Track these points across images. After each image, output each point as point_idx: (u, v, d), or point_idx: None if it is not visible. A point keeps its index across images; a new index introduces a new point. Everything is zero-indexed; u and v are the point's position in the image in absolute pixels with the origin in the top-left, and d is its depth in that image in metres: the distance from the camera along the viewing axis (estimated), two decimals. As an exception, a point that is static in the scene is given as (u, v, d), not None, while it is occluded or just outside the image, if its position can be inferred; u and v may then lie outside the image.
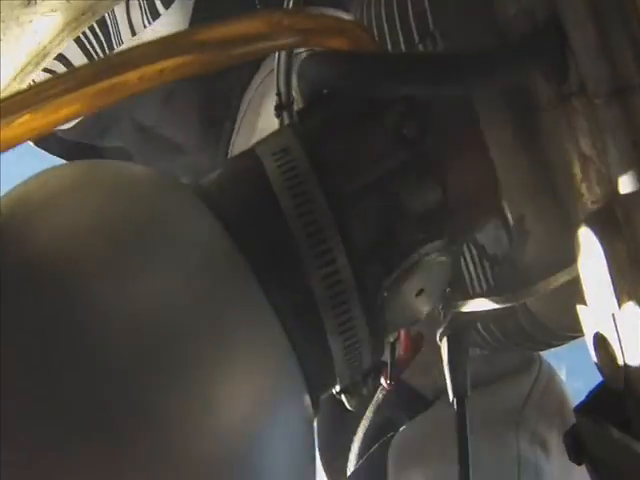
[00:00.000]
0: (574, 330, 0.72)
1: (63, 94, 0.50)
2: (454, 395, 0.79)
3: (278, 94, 0.83)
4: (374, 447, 1.24)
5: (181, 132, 1.60)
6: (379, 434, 1.27)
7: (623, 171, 0.46)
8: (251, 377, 0.49)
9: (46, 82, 0.51)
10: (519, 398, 0.77)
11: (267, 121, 1.45)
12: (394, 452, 1.12)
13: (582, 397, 0.56)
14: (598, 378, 0.56)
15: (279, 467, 0.50)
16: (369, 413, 1.27)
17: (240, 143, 1.54)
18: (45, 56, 0.75)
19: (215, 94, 1.54)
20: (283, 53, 0.76)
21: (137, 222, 0.51)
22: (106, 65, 0.53)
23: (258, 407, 0.49)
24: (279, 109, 0.80)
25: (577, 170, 0.53)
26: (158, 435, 0.44)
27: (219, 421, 0.46)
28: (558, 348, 0.79)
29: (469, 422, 0.84)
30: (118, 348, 0.44)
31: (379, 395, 1.26)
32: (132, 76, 0.51)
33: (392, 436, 1.20)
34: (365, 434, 1.25)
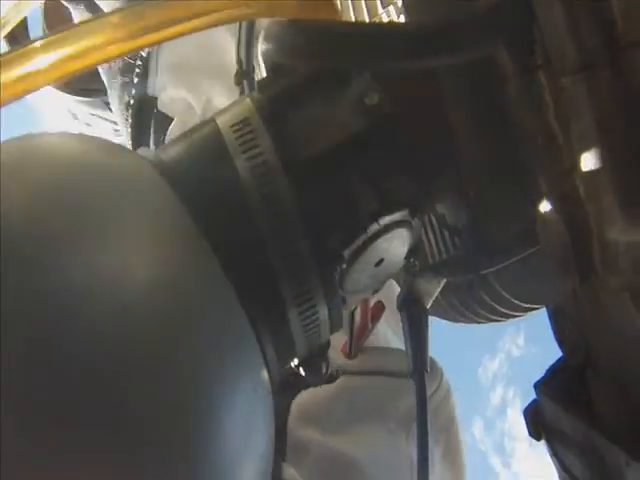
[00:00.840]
0: (533, 302, 0.73)
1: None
2: (414, 368, 0.78)
3: (239, 62, 0.82)
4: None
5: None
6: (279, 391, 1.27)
7: (585, 149, 0.45)
8: (208, 348, 0.49)
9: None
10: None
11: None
12: (298, 409, 1.13)
13: (540, 362, 0.56)
14: (556, 344, 0.56)
15: (233, 434, 0.49)
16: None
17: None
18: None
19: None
20: (245, 24, 0.75)
21: (94, 194, 0.50)
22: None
23: (214, 377, 0.48)
24: (239, 76, 0.79)
25: (540, 142, 0.52)
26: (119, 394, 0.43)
27: (173, 384, 0.46)
28: (515, 319, 0.80)
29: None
30: (77, 323, 0.43)
31: None
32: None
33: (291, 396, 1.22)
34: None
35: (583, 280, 0.48)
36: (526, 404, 0.57)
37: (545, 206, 0.49)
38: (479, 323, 0.81)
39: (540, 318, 0.56)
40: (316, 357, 0.66)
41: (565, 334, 0.53)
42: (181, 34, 0.58)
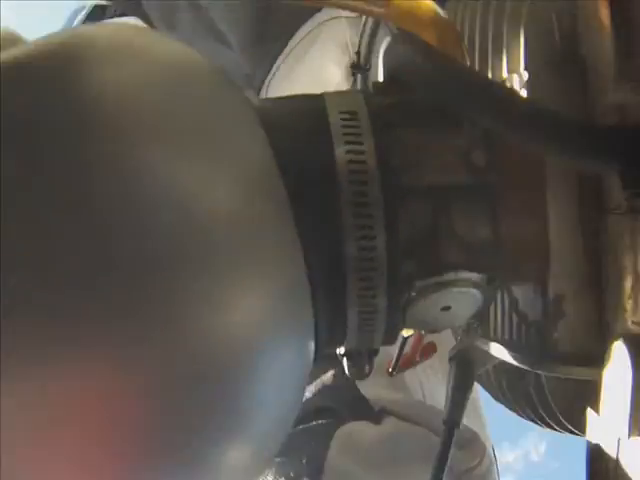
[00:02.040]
0: (575, 426, 0.71)
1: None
2: (446, 422, 0.77)
3: (357, 54, 0.81)
4: (313, 423, 1.28)
5: (232, 30, 1.58)
6: (315, 413, 1.29)
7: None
8: (265, 298, 0.48)
9: None
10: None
11: (306, 71, 1.45)
12: (341, 443, 1.13)
13: (558, 478, 0.55)
14: (576, 460, 0.55)
15: (270, 389, 0.50)
16: (312, 387, 1.30)
17: (274, 85, 1.54)
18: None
19: (272, 15, 1.52)
20: (371, 23, 0.74)
21: (196, 111, 0.50)
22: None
23: (263, 328, 0.48)
24: (356, 68, 0.78)
25: (628, 285, 0.51)
26: (171, 314, 0.43)
27: (227, 323, 0.46)
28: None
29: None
30: (152, 223, 0.44)
31: (329, 376, 1.28)
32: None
33: (333, 424, 1.22)
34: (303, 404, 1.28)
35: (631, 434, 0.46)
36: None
37: (619, 349, 0.48)
38: (518, 414, 0.80)
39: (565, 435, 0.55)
40: (362, 357, 0.65)
41: (597, 471, 0.51)
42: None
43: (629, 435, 0.47)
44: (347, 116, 0.57)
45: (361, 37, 0.81)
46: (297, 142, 0.56)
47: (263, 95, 1.55)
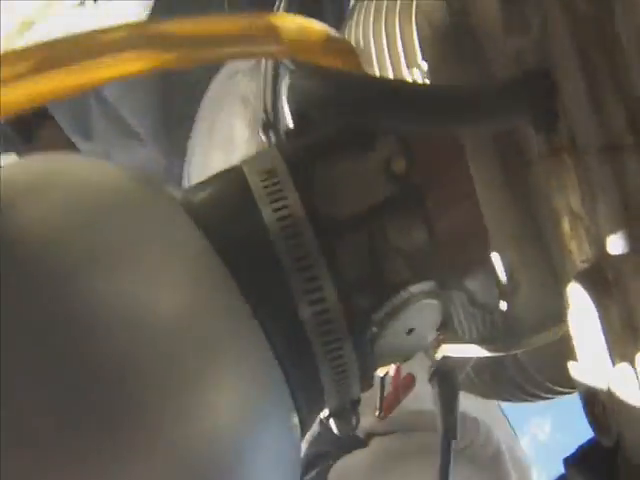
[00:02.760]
0: (563, 385, 0.72)
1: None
2: (444, 437, 0.78)
3: (265, 111, 0.82)
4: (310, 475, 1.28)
5: (140, 122, 1.59)
6: (309, 466, 1.29)
7: (613, 232, 0.45)
8: (238, 391, 0.48)
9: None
10: None
11: (219, 136, 1.45)
12: (337, 477, 1.13)
13: (566, 449, 0.55)
14: (583, 433, 0.55)
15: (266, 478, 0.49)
16: (304, 444, 1.28)
17: (195, 163, 1.54)
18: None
19: (174, 96, 1.55)
20: (270, 67, 0.75)
21: (123, 226, 0.50)
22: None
23: (244, 421, 0.48)
24: (266, 128, 0.79)
25: (566, 227, 0.53)
26: (147, 433, 0.43)
27: (204, 430, 0.45)
28: (542, 404, 0.79)
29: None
30: (108, 346, 0.43)
31: (315, 429, 1.28)
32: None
33: (326, 467, 1.21)
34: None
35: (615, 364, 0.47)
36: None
37: (575, 290, 0.49)
38: (509, 401, 0.80)
39: (567, 407, 0.56)
40: (347, 411, 0.64)
41: (596, 415, 0.52)
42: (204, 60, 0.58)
43: (613, 364, 0.48)
44: (265, 176, 0.58)
45: (264, 93, 0.82)
46: (227, 221, 0.57)
47: (187, 178, 1.55)
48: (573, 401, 0.55)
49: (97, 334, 0.43)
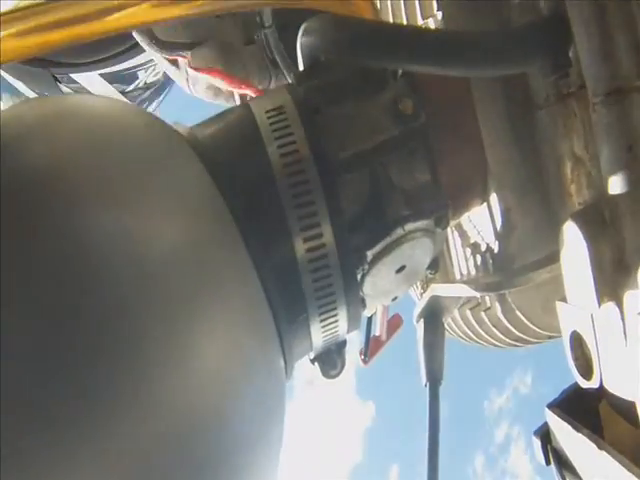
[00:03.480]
0: (551, 329, 0.72)
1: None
2: (428, 378, 0.79)
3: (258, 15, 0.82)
4: None
5: None
6: None
7: (614, 172, 0.45)
8: (227, 331, 0.49)
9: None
10: None
11: None
12: None
13: (547, 403, 0.56)
14: (564, 384, 0.56)
15: (248, 420, 0.50)
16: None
17: None
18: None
19: None
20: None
21: (127, 159, 0.50)
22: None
23: (230, 359, 0.48)
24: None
25: (568, 171, 0.53)
26: (139, 368, 0.43)
27: (193, 366, 0.46)
28: (524, 354, 0.79)
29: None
30: (103, 276, 0.44)
31: None
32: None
33: None
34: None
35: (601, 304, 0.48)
36: (530, 443, 0.57)
37: (569, 229, 0.49)
38: (494, 346, 0.81)
39: (548, 358, 0.56)
40: (333, 353, 0.66)
41: (580, 357, 0.52)
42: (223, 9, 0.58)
43: (599, 305, 0.48)
44: (274, 113, 0.59)
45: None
46: (232, 157, 0.58)
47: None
48: (554, 352, 0.55)
49: (95, 264, 0.44)
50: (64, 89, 1.62)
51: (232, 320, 0.49)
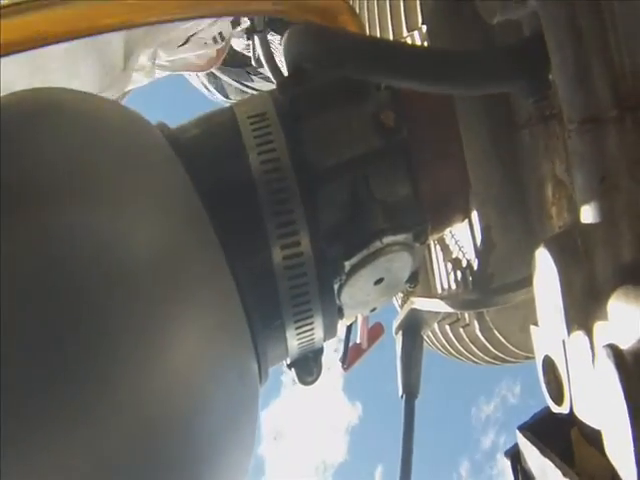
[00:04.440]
0: (528, 350, 0.72)
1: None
2: (404, 391, 0.78)
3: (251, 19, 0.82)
4: None
5: None
6: None
7: (587, 201, 0.45)
8: (199, 332, 0.49)
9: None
10: None
11: None
12: None
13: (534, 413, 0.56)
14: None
15: (217, 423, 0.49)
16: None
17: None
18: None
19: None
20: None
21: (106, 159, 0.50)
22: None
23: (203, 364, 0.48)
24: (251, 32, 0.79)
25: (549, 193, 0.53)
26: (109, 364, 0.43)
27: (164, 367, 0.46)
28: (514, 366, 0.79)
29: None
30: (74, 275, 0.43)
31: None
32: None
33: None
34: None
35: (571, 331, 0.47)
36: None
37: (542, 254, 0.49)
38: (473, 362, 0.81)
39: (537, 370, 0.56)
40: (309, 360, 0.66)
41: (552, 382, 0.52)
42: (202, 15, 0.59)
43: (569, 332, 0.48)
44: (256, 119, 0.59)
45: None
46: (212, 161, 0.58)
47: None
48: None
49: (69, 263, 0.44)
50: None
51: (204, 322, 0.49)
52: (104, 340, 0.43)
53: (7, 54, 0.53)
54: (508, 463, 0.58)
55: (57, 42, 0.54)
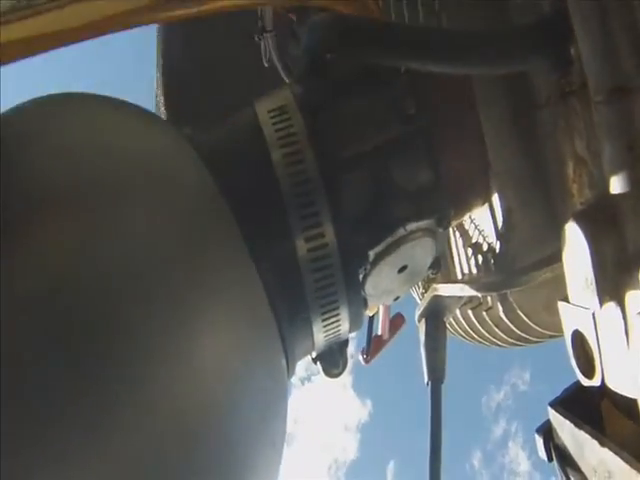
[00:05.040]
0: (553, 329, 0.73)
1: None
2: (429, 378, 0.79)
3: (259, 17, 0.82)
4: None
5: None
6: None
7: (616, 171, 0.46)
8: (228, 329, 0.49)
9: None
10: None
11: None
12: None
13: (546, 400, 0.56)
14: (562, 383, 0.56)
15: (248, 418, 0.50)
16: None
17: None
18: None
19: None
20: None
21: (127, 160, 0.51)
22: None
23: (231, 361, 0.49)
24: (260, 32, 0.79)
25: (570, 170, 0.53)
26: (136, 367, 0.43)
27: (191, 368, 0.46)
28: (523, 351, 0.79)
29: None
30: (105, 277, 0.44)
31: None
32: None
33: None
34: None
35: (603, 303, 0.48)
36: (529, 439, 0.58)
37: (571, 229, 0.49)
38: (496, 345, 0.81)
39: (546, 357, 0.56)
40: (335, 352, 0.66)
41: (582, 356, 0.53)
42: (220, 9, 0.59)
43: (601, 304, 0.48)
44: (276, 112, 0.59)
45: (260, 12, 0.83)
46: (234, 158, 0.58)
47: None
48: (553, 350, 0.56)
49: (92, 261, 0.44)
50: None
51: (233, 319, 0.50)
52: (134, 340, 0.43)
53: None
54: (540, 440, 0.58)
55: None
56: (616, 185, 0.46)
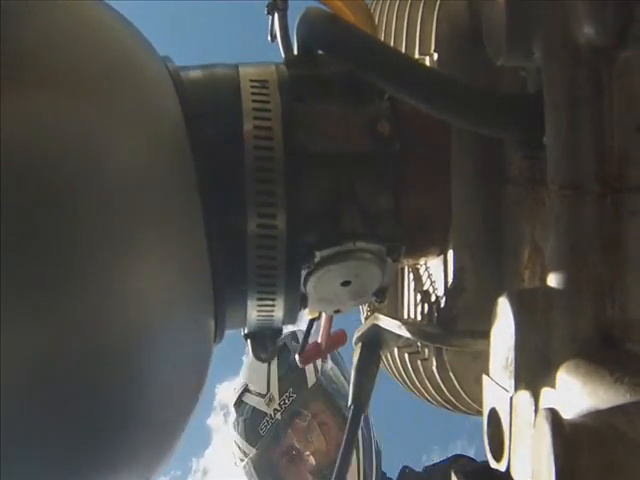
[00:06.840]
0: (480, 404, 0.72)
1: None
2: (352, 402, 0.79)
3: None
4: None
5: None
6: None
7: (556, 265, 0.45)
8: (162, 266, 0.49)
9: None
10: None
11: None
12: None
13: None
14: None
15: (164, 366, 0.49)
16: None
17: None
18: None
19: None
20: None
21: (107, 64, 0.50)
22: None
23: (162, 298, 0.48)
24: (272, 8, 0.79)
25: (525, 256, 0.53)
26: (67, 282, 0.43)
27: (124, 287, 0.45)
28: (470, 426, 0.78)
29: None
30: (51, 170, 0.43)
31: None
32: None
33: None
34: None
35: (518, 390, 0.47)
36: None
37: (504, 305, 0.48)
38: (425, 399, 0.80)
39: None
40: (266, 338, 0.66)
41: (495, 437, 0.52)
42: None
43: (515, 390, 0.47)
44: (257, 84, 0.59)
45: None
46: (208, 108, 0.58)
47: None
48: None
49: (52, 152, 0.43)
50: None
51: (169, 256, 0.49)
52: (67, 245, 0.43)
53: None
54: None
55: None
56: (553, 278, 0.45)
